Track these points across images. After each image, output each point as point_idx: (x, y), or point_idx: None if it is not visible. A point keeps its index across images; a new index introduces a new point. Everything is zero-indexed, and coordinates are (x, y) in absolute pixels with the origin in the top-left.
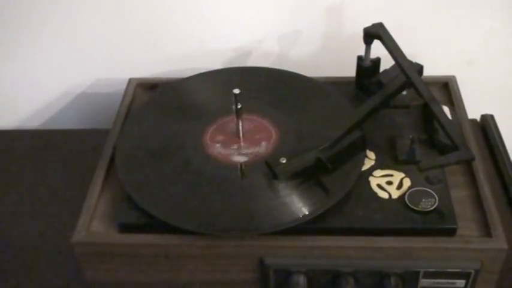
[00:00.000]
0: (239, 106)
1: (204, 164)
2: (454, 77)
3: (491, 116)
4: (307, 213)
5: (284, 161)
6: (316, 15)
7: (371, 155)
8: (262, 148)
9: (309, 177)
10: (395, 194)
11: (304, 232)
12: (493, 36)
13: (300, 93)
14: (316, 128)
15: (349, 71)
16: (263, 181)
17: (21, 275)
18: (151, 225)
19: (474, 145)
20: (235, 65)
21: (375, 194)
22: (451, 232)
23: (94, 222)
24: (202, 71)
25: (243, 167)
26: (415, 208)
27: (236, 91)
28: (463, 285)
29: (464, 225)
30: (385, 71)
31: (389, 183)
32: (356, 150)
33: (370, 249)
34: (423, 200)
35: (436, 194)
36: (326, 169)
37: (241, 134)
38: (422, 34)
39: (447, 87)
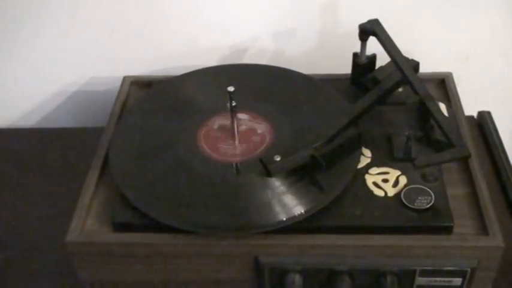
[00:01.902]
0: (234, 104)
1: (199, 162)
2: (450, 73)
3: (488, 113)
4: (302, 211)
5: (278, 159)
6: (311, 12)
7: (367, 152)
8: (257, 146)
9: (304, 175)
10: (391, 192)
11: (300, 230)
12: (489, 33)
13: (296, 91)
14: (312, 125)
15: (345, 68)
16: (258, 179)
17: (16, 274)
18: (146, 224)
19: (471, 142)
20: (230, 62)
21: (371, 191)
22: (447, 230)
23: (88, 221)
24: (197, 68)
25: (238, 165)
26: (411, 206)
27: (231, 89)
28: (459, 283)
29: (461, 223)
30: (381, 67)
31: (385, 180)
32: (352, 148)
33: (366, 248)
34: (419, 197)
35: (432, 191)
36: (321, 167)
37: (236, 132)
38: (418, 31)
39: (443, 84)
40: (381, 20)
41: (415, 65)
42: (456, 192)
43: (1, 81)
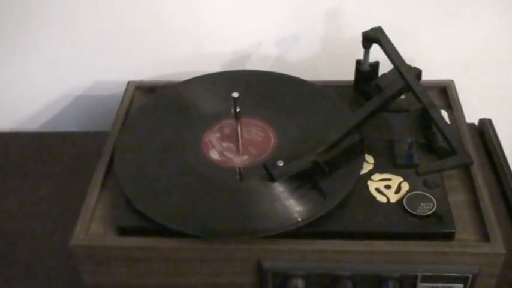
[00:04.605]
0: (238, 109)
1: (203, 168)
2: (452, 81)
3: (489, 120)
4: (305, 217)
5: (281, 164)
6: (315, 19)
7: (369, 158)
8: (261, 151)
9: (307, 180)
10: (393, 198)
11: (302, 236)
12: (491, 41)
13: (299, 97)
14: (315, 132)
15: (348, 74)
16: (261, 184)
17: (20, 277)
18: (150, 228)
19: (472, 149)
20: (233, 68)
21: (374, 198)
22: (449, 236)
23: (92, 225)
24: (200, 74)
25: (242, 170)
26: (414, 212)
27: (235, 94)
28: None
29: (462, 229)
30: (384, 75)
31: (388, 187)
32: (354, 154)
33: (368, 253)
34: (421, 204)
35: (434, 198)
36: (323, 172)
37: (239, 137)
38: (420, 38)
39: (445, 92)
40: (384, 28)
41: (418, 73)
42: (458, 198)
43: (5, 85)
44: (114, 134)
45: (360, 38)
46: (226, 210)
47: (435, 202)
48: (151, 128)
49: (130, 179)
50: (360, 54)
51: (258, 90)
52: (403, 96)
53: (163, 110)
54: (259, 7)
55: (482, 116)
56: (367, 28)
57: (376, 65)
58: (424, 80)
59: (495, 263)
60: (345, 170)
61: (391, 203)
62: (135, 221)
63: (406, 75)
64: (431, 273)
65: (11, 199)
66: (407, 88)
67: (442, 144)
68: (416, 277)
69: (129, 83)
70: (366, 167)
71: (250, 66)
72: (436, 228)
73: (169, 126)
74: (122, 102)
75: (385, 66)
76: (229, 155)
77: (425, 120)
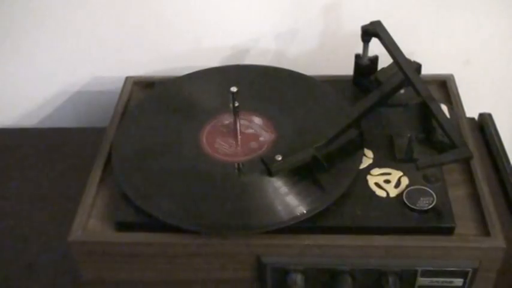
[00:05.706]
0: (236, 104)
1: (201, 162)
2: (452, 75)
3: (489, 115)
4: (304, 211)
5: (280, 159)
6: (314, 13)
7: (369, 153)
8: (259, 146)
9: (305, 175)
10: (393, 193)
11: (302, 230)
12: (491, 35)
13: (297, 91)
14: (314, 126)
15: (347, 69)
16: (260, 179)
17: (19, 273)
18: (149, 223)
19: (472, 143)
20: (232, 63)
21: (373, 192)
22: (449, 231)
23: (91, 221)
24: (199, 69)
25: (240, 165)
26: (413, 207)
27: (233, 89)
28: (461, 284)
29: (462, 223)
30: (383, 69)
31: (387, 181)
32: (354, 149)
33: (368, 248)
34: (421, 198)
35: (434, 192)
36: (322, 167)
37: (238, 132)
38: (420, 32)
39: (445, 86)
40: (383, 22)
41: (417, 67)
42: (457, 193)
43: (3, 81)
44: (112, 130)
45: (359, 32)
46: (224, 205)
47: (435, 196)
48: (150, 123)
49: (128, 175)
50: (359, 49)
51: (257, 85)
52: (402, 91)
53: (161, 105)
54: (258, 1)
55: (482, 111)
56: (367, 22)
57: (375, 59)
58: (424, 74)
59: (495, 257)
60: (344, 164)
61: (391, 198)
62: (134, 216)
63: (406, 69)
64: (431, 268)
65: (9, 195)
66: (407, 82)
67: (442, 139)
68: (416, 272)
69: (127, 78)
70: (365, 162)
71: (249, 61)
72: (435, 223)
73: (168, 121)
74: (120, 97)
75: (385, 60)
76: (227, 149)
77: (425, 115)
